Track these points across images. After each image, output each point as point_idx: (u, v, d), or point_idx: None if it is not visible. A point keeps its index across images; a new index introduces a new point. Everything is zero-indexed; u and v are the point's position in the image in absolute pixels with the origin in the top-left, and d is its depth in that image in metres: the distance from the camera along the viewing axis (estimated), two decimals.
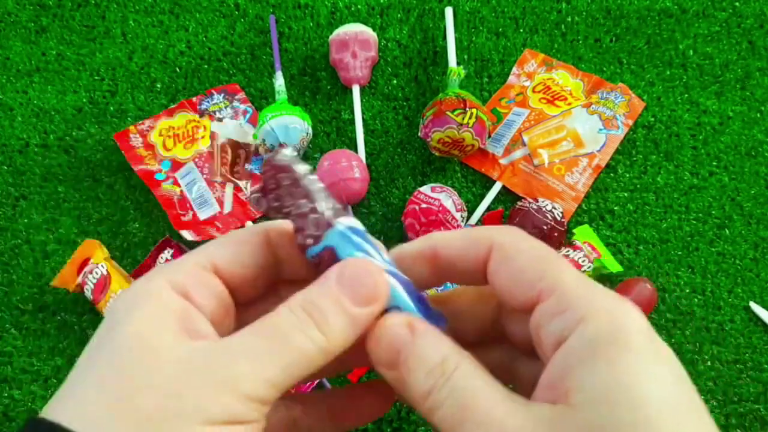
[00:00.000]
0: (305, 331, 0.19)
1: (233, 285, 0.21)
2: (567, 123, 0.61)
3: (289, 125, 0.57)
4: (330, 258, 0.21)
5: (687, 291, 0.56)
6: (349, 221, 0.21)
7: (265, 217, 0.59)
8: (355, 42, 0.63)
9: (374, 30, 0.65)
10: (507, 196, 0.60)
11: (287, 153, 0.22)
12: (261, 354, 0.18)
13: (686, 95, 0.63)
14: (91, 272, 0.53)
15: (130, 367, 0.17)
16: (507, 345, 0.23)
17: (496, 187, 0.59)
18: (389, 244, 0.23)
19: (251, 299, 0.23)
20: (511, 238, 0.20)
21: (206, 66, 0.66)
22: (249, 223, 0.58)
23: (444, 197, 0.54)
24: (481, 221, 0.58)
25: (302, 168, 0.22)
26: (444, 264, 0.22)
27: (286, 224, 0.22)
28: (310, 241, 0.21)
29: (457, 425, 0.18)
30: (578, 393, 0.17)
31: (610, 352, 0.17)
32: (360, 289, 0.19)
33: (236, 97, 0.64)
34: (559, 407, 0.17)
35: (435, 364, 0.19)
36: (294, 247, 0.22)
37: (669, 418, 0.16)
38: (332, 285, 0.19)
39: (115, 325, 0.18)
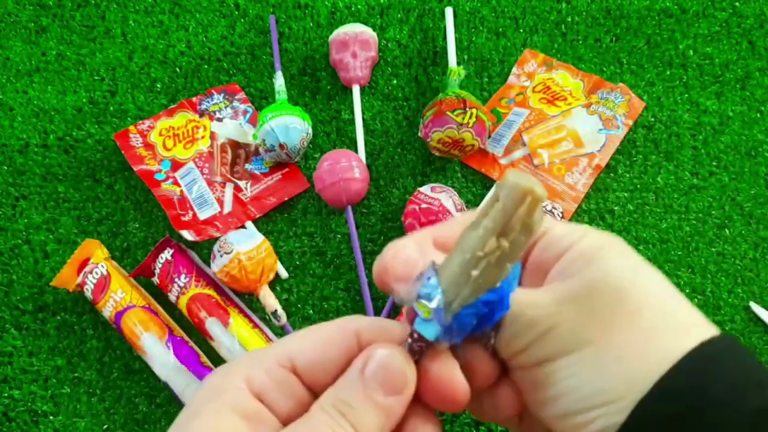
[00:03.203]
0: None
1: (313, 385, 0.21)
2: (567, 123, 0.61)
3: (289, 125, 0.57)
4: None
5: (687, 291, 0.56)
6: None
7: (266, 217, 0.59)
8: (355, 42, 0.63)
9: (374, 30, 0.65)
10: None
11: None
12: None
13: (686, 95, 0.63)
14: (91, 272, 0.53)
15: None
16: None
17: None
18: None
19: None
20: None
21: (206, 66, 0.66)
22: (249, 224, 0.58)
23: (444, 197, 0.54)
24: None
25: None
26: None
27: (379, 322, 0.22)
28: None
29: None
30: (572, 277, 0.21)
31: (600, 253, 0.21)
32: (389, 379, 0.19)
33: (236, 97, 0.64)
34: (568, 281, 0.21)
35: None
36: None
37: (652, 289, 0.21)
38: (358, 379, 0.19)
39: (190, 420, 0.19)
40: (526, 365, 0.21)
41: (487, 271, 0.18)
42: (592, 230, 0.22)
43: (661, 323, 0.20)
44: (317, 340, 0.21)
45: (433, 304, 0.19)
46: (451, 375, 0.20)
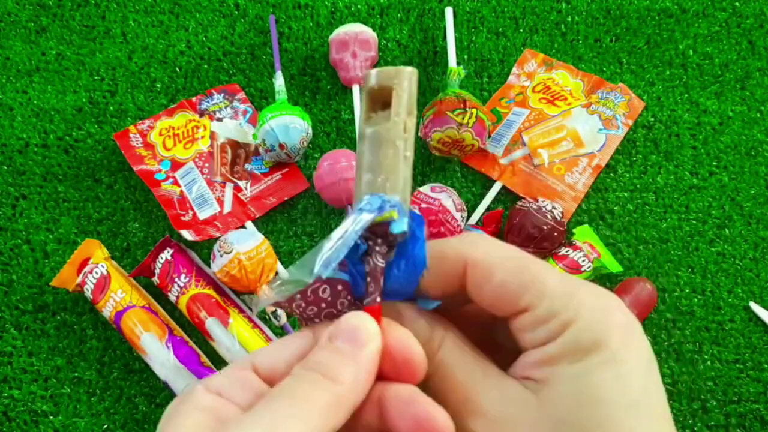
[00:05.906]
0: (314, 384, 0.19)
1: (273, 378, 0.22)
2: (567, 123, 0.61)
3: (289, 125, 0.57)
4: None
5: (687, 291, 0.56)
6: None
7: (270, 225, 0.59)
8: (355, 42, 0.63)
9: (374, 30, 0.65)
10: (507, 196, 0.60)
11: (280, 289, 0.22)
12: (283, 420, 0.18)
13: (686, 95, 0.63)
14: (91, 272, 0.53)
15: None
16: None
17: (496, 187, 0.59)
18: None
19: None
20: (483, 252, 0.21)
21: (206, 66, 0.66)
22: (249, 223, 0.58)
23: (444, 197, 0.54)
24: (481, 221, 0.58)
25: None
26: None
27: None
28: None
29: (443, 397, 0.21)
30: (554, 386, 0.19)
31: (588, 357, 0.19)
32: (355, 335, 0.20)
33: (236, 97, 0.64)
34: (531, 394, 0.19)
35: (423, 341, 0.21)
36: None
37: (627, 423, 0.18)
38: (327, 342, 0.20)
39: (163, 424, 0.20)
40: None
41: (411, 149, 0.22)
42: (586, 300, 0.20)
43: None
44: (276, 342, 0.22)
45: (397, 197, 0.21)
46: (407, 336, 0.21)
